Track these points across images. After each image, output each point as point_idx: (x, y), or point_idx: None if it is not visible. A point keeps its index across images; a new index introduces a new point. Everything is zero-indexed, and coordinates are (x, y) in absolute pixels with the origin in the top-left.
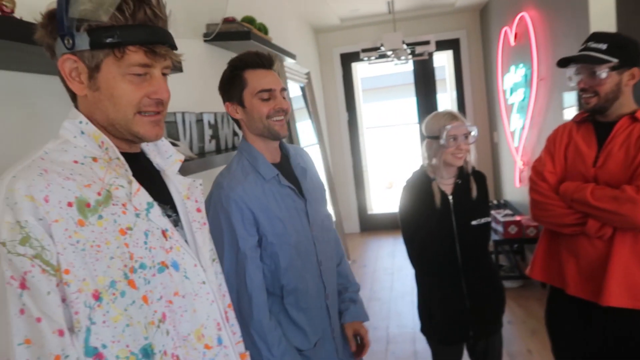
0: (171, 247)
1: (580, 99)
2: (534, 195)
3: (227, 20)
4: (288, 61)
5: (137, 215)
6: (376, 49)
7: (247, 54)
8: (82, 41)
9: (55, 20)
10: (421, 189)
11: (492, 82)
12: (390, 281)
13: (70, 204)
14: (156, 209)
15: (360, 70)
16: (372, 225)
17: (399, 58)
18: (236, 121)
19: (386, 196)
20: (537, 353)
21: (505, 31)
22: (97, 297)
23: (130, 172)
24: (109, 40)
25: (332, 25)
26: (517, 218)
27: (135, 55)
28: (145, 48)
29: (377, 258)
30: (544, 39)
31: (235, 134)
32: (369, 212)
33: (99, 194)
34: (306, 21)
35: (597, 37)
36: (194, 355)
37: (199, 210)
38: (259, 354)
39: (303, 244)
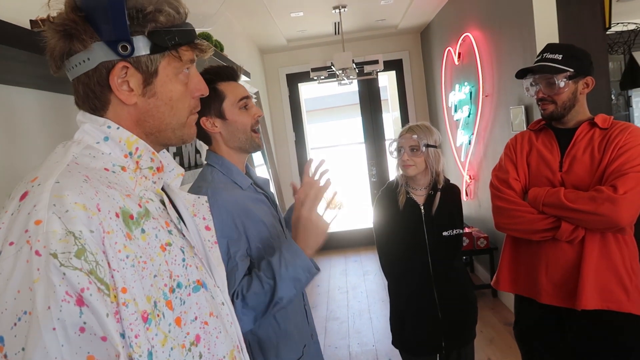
0: (196, 265)
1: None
2: (499, 202)
3: None
4: (241, 79)
5: (170, 232)
6: (326, 68)
7: (215, 68)
8: (142, 46)
9: (90, 25)
10: (393, 198)
11: (435, 100)
12: (345, 300)
13: (117, 215)
14: (183, 225)
15: (305, 91)
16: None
17: (348, 77)
18: (205, 137)
19: (332, 216)
20: None
21: (449, 51)
22: (146, 319)
23: (160, 185)
24: (172, 42)
25: (278, 45)
26: (467, 230)
27: (188, 54)
28: (193, 46)
29: (330, 277)
30: (488, 57)
31: (197, 151)
32: None
33: (139, 205)
34: (252, 41)
35: (552, 48)
36: None
37: (207, 228)
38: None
39: None
